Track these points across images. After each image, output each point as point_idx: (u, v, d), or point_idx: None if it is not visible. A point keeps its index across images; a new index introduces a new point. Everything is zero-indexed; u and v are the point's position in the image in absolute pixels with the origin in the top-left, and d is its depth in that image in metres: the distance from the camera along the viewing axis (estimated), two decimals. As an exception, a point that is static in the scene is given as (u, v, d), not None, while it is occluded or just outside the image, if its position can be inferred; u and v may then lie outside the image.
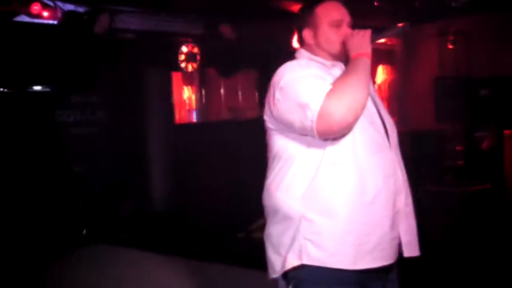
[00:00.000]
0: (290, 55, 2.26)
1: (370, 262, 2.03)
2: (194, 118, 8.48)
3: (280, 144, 2.12)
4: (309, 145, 2.04)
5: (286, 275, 2.10)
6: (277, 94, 2.06)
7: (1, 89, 5.49)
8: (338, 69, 2.14)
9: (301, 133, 2.03)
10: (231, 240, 6.48)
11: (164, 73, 6.74)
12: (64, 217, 5.81)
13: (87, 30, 5.71)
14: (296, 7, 5.77)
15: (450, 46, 6.36)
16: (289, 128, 2.06)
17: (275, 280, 2.16)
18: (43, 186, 5.69)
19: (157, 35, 6.33)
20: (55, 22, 5.60)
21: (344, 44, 2.13)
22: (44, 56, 5.72)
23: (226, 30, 6.61)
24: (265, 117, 2.17)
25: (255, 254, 6.10)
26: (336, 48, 2.16)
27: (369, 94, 2.03)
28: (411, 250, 2.16)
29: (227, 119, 7.82)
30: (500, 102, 6.19)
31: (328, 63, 2.17)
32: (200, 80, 8.25)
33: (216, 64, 6.98)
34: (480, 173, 5.93)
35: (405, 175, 2.18)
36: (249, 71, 7.52)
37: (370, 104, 2.11)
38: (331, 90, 1.95)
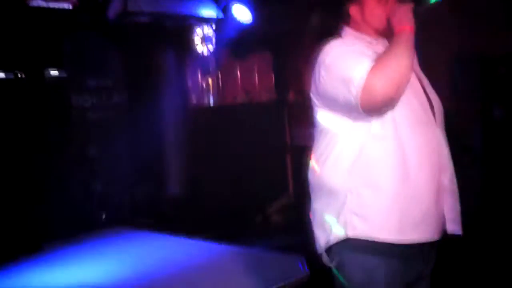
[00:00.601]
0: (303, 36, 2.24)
1: (415, 236, 2.06)
2: (210, 101, 8.45)
3: (325, 121, 2.16)
4: (354, 120, 2.06)
5: (330, 250, 2.13)
6: (322, 71, 2.08)
7: (18, 75, 5.50)
8: (381, 45, 2.14)
9: (345, 109, 2.05)
10: (248, 223, 6.49)
11: (179, 56, 6.72)
12: (82, 202, 5.85)
13: (102, 14, 5.70)
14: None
15: (468, 25, 6.26)
16: (333, 104, 2.09)
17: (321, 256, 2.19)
18: (61, 171, 5.72)
19: (171, 18, 6.29)
20: (70, 7, 5.59)
21: (388, 19, 2.12)
22: (59, 41, 5.74)
23: (240, 11, 6.55)
24: (311, 94, 2.19)
25: (272, 237, 6.14)
26: (382, 23, 2.15)
27: (412, 68, 2.04)
28: (455, 227, 2.16)
29: (243, 101, 7.79)
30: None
31: (373, 39, 2.17)
32: (216, 63, 8.22)
33: (231, 46, 6.94)
34: (497, 152, 5.85)
35: (449, 152, 2.18)
36: (265, 53, 7.47)
37: (414, 80, 2.13)
38: (374, 66, 1.96)
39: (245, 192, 6.47)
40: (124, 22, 5.81)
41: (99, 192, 5.98)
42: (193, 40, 6.32)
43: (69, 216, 5.52)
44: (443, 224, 2.13)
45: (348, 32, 2.20)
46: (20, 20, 5.29)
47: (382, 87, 1.94)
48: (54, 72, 5.75)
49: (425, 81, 2.23)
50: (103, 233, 5.69)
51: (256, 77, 7.92)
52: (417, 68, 2.23)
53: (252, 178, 6.62)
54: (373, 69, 1.95)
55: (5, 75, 5.42)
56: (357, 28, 2.19)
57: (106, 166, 6.06)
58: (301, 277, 3.96)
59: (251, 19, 6.33)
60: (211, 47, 6.38)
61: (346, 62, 2.03)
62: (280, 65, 7.53)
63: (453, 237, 2.16)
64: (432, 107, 2.16)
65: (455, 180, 2.19)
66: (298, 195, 7.13)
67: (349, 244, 2.07)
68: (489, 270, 4.04)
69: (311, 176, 2.23)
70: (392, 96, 1.97)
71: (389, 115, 2.03)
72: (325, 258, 2.16)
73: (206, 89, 8.06)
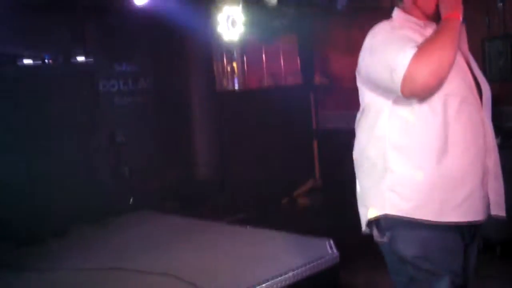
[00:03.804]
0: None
1: (457, 216, 2.06)
2: (235, 85, 8.44)
3: (370, 99, 2.19)
4: (396, 101, 2.09)
5: (379, 225, 2.16)
6: (367, 54, 2.13)
7: (46, 61, 5.55)
8: (430, 29, 2.14)
9: (387, 92, 2.09)
10: (275, 206, 6.50)
11: (205, 40, 6.71)
12: (110, 186, 5.90)
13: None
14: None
15: (498, 5, 6.13)
16: (376, 87, 2.13)
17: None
18: (89, 156, 5.78)
19: (197, 1, 6.28)
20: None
21: (437, 5, 2.14)
22: (86, 26, 5.77)
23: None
24: (356, 74, 2.24)
25: (299, 220, 6.12)
26: (431, 8, 2.17)
27: (455, 56, 2.02)
28: (499, 209, 2.16)
29: (269, 85, 7.76)
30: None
31: (422, 23, 2.19)
32: (241, 47, 8.19)
33: (257, 30, 6.90)
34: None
35: (494, 135, 2.19)
36: (291, 36, 7.43)
37: (462, 62, 2.14)
38: (417, 54, 1.97)
39: (271, 176, 6.48)
40: (150, 7, 5.80)
41: (127, 176, 6.02)
42: (219, 24, 6.29)
43: (97, 200, 5.59)
44: (487, 206, 2.13)
45: (398, 15, 2.23)
46: (47, 5, 5.32)
47: (423, 77, 1.95)
48: (81, 58, 5.79)
49: (473, 63, 2.23)
50: (131, 217, 5.74)
51: (282, 61, 7.88)
52: (466, 49, 2.23)
53: (278, 161, 6.61)
54: (415, 58, 1.96)
55: (33, 61, 5.47)
56: (408, 11, 2.21)
57: (134, 150, 6.10)
58: (331, 258, 3.95)
59: (276, 2, 6.27)
60: (237, 31, 6.34)
61: (391, 48, 2.04)
62: (306, 48, 7.49)
63: (497, 219, 2.15)
64: (479, 89, 2.16)
65: (499, 162, 2.19)
66: (324, 179, 7.12)
67: (399, 220, 2.09)
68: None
69: (355, 152, 2.28)
70: (432, 86, 1.99)
71: (435, 94, 2.03)
72: (375, 234, 2.19)
73: (231, 73, 8.05)
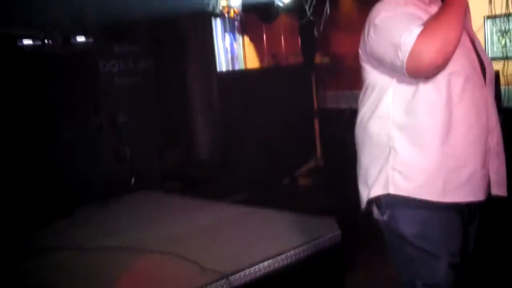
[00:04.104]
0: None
1: (460, 196, 2.06)
2: (236, 65, 8.42)
3: (373, 77, 2.17)
4: (400, 79, 2.07)
5: (380, 203, 2.16)
6: (371, 31, 2.10)
7: (46, 41, 5.52)
8: (435, 6, 2.12)
9: (391, 70, 2.07)
10: (277, 186, 6.51)
11: (205, 19, 6.68)
12: (112, 167, 5.91)
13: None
14: None
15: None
16: (380, 64, 2.11)
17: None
18: (90, 136, 5.78)
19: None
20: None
21: None
22: (86, 6, 5.73)
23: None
24: (359, 51, 2.22)
25: (300, 200, 6.14)
26: None
27: (461, 34, 2.00)
28: (500, 189, 2.16)
29: (270, 65, 7.74)
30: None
31: (426, 0, 2.16)
32: (242, 27, 8.16)
33: (258, 10, 6.87)
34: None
35: (497, 114, 2.18)
36: (291, 16, 7.39)
37: (466, 41, 2.12)
38: (422, 32, 1.94)
39: (273, 156, 6.49)
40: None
41: (128, 157, 6.02)
42: (219, 4, 6.26)
43: (99, 181, 5.59)
44: (488, 186, 2.12)
45: None
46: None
47: (428, 55, 1.93)
48: (80, 38, 5.75)
49: (477, 41, 2.21)
50: (132, 197, 5.75)
51: (283, 41, 7.85)
52: (470, 27, 2.21)
53: (280, 141, 6.62)
54: (421, 35, 1.93)
55: (33, 41, 5.44)
56: None
57: (134, 131, 6.10)
58: (333, 236, 3.97)
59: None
60: (237, 10, 6.31)
61: (396, 26, 2.01)
62: (307, 28, 7.45)
63: (497, 198, 2.15)
64: (483, 68, 2.14)
65: (501, 141, 2.19)
66: (326, 158, 7.12)
67: (399, 199, 2.08)
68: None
69: (357, 131, 2.25)
70: (438, 64, 1.96)
71: (440, 73, 2.01)
72: (375, 212, 2.19)
73: (232, 53, 8.02)
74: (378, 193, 2.13)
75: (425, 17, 2.04)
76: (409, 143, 2.06)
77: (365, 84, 2.22)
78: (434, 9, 2.09)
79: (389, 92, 2.11)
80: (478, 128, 2.07)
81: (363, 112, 2.22)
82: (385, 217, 2.16)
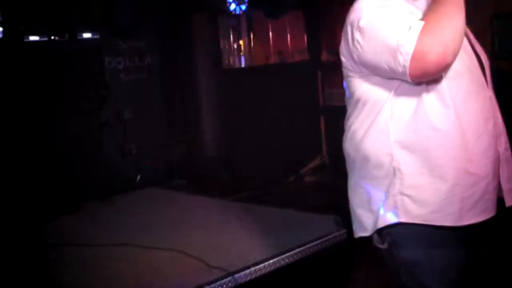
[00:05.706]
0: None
1: (475, 217, 1.84)
2: (242, 62, 8.40)
3: (363, 89, 1.89)
4: (398, 92, 1.82)
5: (380, 231, 1.94)
6: (357, 35, 1.80)
7: (52, 37, 5.52)
8: (424, 0, 1.86)
9: (388, 77, 1.81)
10: (282, 183, 6.50)
11: (211, 16, 6.67)
12: (117, 164, 5.91)
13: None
14: None
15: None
16: (373, 72, 1.84)
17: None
18: (96, 133, 5.78)
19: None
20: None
21: None
22: (91, 2, 5.73)
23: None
24: (342, 59, 1.93)
25: (306, 197, 6.12)
26: None
27: (465, 26, 1.76)
28: None
29: (275, 62, 7.71)
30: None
31: None
32: (248, 23, 8.13)
33: (264, 6, 6.85)
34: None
35: (501, 116, 1.96)
36: (297, 13, 7.36)
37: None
38: (424, 27, 1.68)
39: (278, 153, 6.47)
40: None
41: (134, 153, 6.02)
42: (225, 0, 6.24)
43: (105, 178, 5.60)
44: (499, 196, 1.91)
45: None
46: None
47: (436, 52, 1.66)
48: (87, 34, 5.76)
49: (473, 39, 2.00)
50: (138, 194, 5.76)
51: (289, 38, 7.83)
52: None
53: (285, 139, 6.59)
54: (423, 32, 1.67)
55: (39, 37, 5.45)
56: None
57: (140, 127, 6.10)
58: (339, 234, 3.96)
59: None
60: (243, 7, 6.29)
61: (387, 26, 1.74)
62: (313, 25, 7.43)
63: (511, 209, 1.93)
64: (482, 67, 1.94)
65: (509, 145, 1.96)
66: (331, 156, 7.10)
67: (401, 227, 1.87)
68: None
69: (350, 150, 1.98)
70: (447, 61, 1.70)
71: (442, 80, 1.79)
72: (375, 239, 1.99)
73: (238, 50, 8.01)
74: (390, 222, 1.88)
75: (416, 12, 1.79)
76: (417, 162, 1.81)
77: (354, 99, 1.93)
78: (421, 2, 1.85)
79: (386, 107, 1.84)
80: (487, 134, 1.85)
81: (355, 127, 1.93)
82: (385, 245, 1.96)
